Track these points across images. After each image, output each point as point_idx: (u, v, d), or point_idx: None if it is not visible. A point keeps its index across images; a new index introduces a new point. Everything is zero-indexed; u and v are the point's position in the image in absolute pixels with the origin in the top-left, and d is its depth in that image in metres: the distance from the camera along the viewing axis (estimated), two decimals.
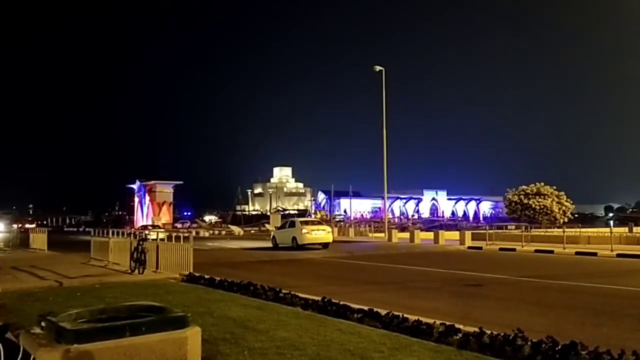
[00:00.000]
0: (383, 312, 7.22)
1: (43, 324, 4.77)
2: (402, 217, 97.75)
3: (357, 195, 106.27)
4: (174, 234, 19.17)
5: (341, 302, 8.05)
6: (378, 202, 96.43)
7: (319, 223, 31.00)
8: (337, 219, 79.74)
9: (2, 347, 2.36)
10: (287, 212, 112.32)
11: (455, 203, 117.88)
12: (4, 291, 11.06)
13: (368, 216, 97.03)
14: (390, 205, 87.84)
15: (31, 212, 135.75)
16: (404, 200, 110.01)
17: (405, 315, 6.95)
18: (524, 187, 51.37)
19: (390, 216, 75.79)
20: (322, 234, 27.90)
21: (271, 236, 32.44)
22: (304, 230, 27.42)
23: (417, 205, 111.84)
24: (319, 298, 8.56)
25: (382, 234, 41.31)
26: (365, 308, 7.56)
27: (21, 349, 2.49)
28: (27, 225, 63.29)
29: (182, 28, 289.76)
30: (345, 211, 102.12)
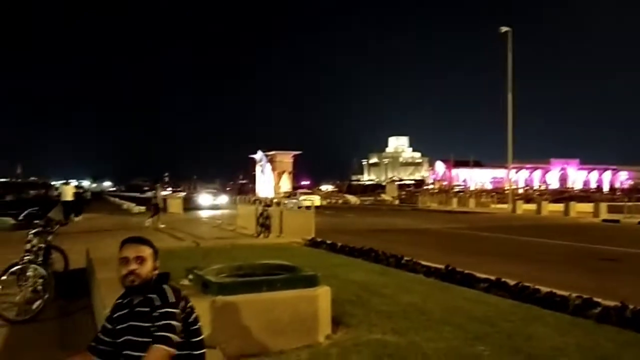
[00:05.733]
0: (512, 282, 6.97)
1: (190, 276, 5.25)
2: (527, 187, 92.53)
3: (478, 164, 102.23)
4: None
5: (466, 271, 7.89)
6: (501, 172, 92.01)
7: (311, 193, 47.49)
8: (456, 190, 77.48)
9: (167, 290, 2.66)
10: (402, 182, 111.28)
11: (588, 173, 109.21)
12: None
13: (490, 187, 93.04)
14: (514, 175, 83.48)
15: (167, 181, 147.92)
16: (530, 170, 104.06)
17: (537, 287, 6.65)
18: None
19: (514, 186, 72.07)
20: (313, 199, 38.95)
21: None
22: (301, 198, 38.78)
23: (544, 175, 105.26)
24: (442, 266, 8.46)
25: (505, 205, 39.63)
26: (492, 278, 7.35)
27: (181, 292, 2.76)
28: (163, 193, 68.35)
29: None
30: (465, 181, 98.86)
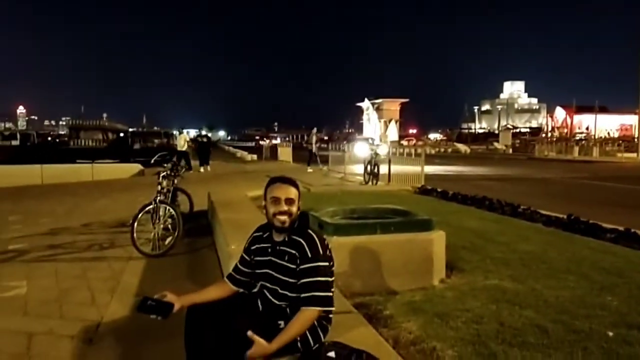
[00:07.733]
0: None
1: None
2: None
3: (603, 110, 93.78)
4: (405, 151, 19.74)
5: (590, 221, 7.39)
6: (630, 118, 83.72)
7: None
8: (578, 137, 72.03)
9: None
10: (517, 130, 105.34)
11: None
12: None
13: (616, 134, 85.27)
14: None
15: (276, 130, 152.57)
16: None
17: None
18: None
19: None
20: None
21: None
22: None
23: None
24: (564, 215, 7.99)
25: (634, 155, 36.35)
26: (621, 228, 6.83)
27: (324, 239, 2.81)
28: (272, 142, 69.79)
29: None
30: (587, 128, 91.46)
